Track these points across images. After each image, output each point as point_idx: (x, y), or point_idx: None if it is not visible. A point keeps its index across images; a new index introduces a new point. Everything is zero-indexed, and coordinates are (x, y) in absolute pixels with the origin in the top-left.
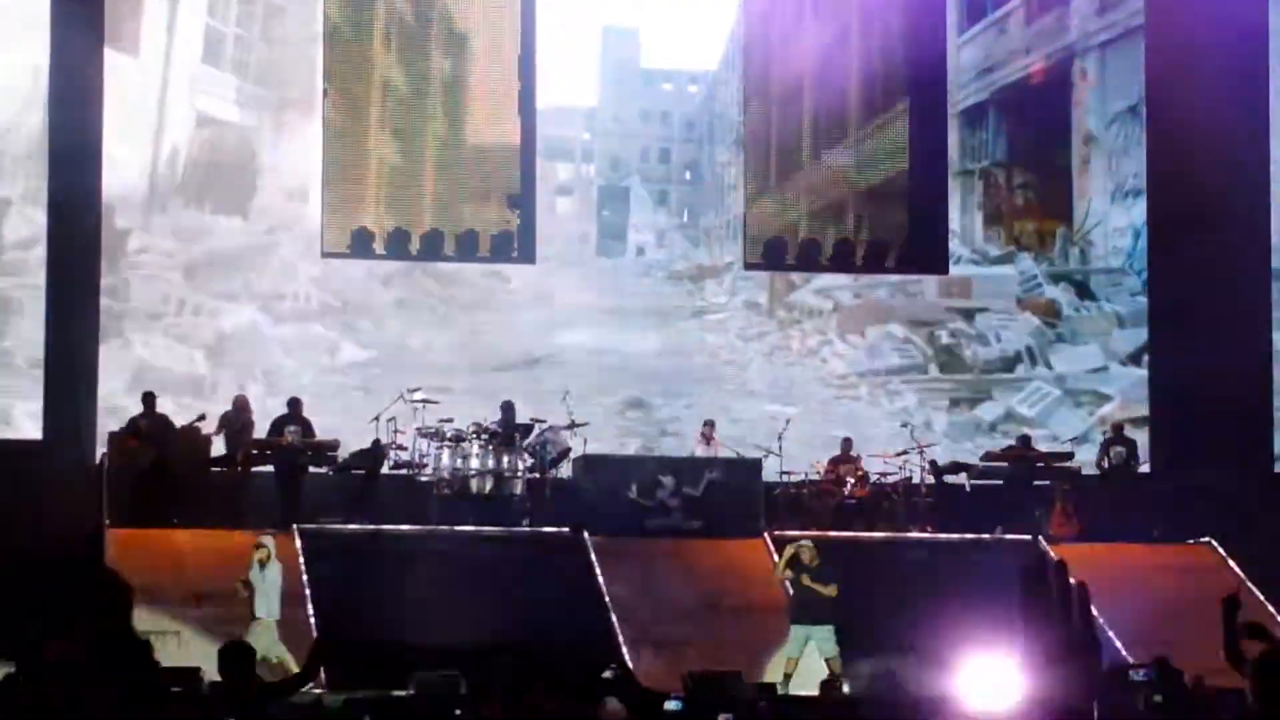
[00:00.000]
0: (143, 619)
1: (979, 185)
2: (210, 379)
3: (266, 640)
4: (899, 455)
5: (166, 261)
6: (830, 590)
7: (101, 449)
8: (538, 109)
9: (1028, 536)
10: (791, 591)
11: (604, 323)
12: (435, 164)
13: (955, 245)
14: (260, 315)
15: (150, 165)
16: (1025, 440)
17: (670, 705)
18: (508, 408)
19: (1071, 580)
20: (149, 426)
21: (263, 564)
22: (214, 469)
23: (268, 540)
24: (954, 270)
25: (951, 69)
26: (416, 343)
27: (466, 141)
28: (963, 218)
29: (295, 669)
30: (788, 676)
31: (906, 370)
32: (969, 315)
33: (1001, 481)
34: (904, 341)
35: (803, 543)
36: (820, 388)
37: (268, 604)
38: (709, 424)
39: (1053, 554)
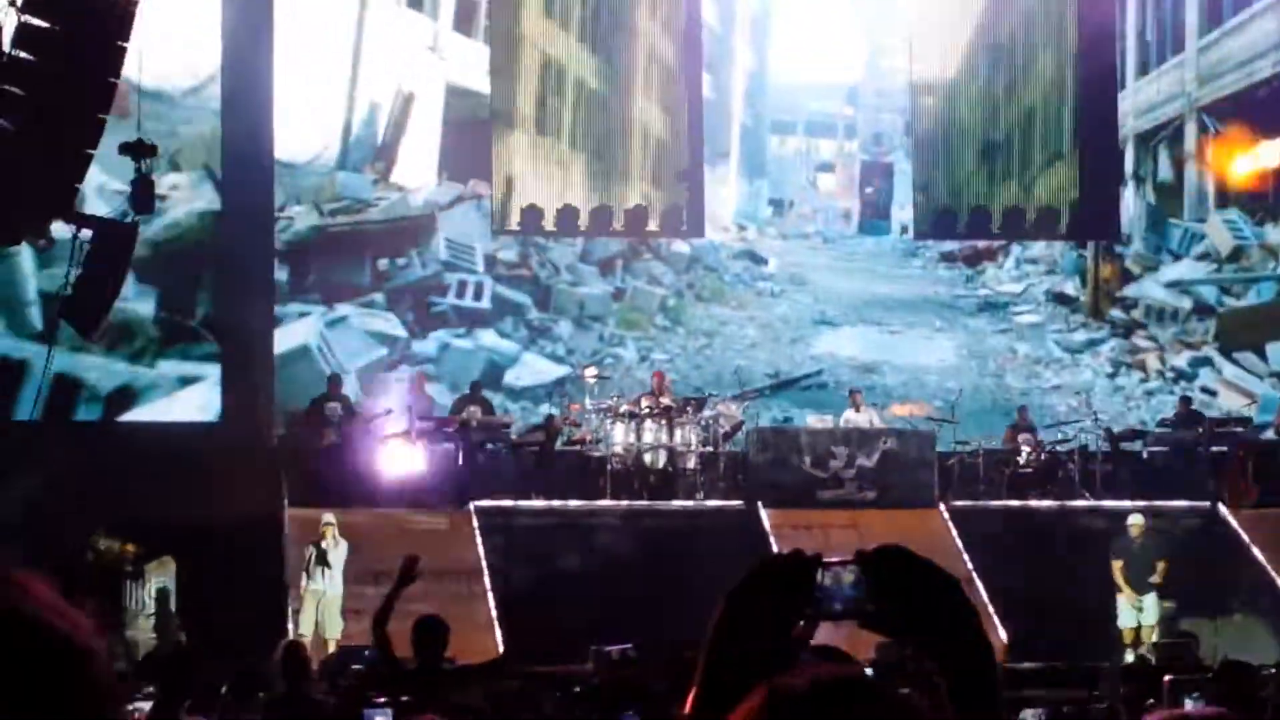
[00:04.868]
0: None
1: None
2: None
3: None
4: (1074, 424)
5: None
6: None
7: (279, 431)
8: (801, 84)
9: (1206, 504)
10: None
11: (873, 317)
12: (622, 151)
13: None
14: (384, 322)
15: (339, 131)
16: (1187, 402)
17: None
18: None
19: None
20: (329, 409)
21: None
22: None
23: (331, 517)
24: None
25: None
26: (631, 355)
27: (655, 129)
28: None
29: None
30: (1133, 646)
31: None
32: None
33: (1178, 448)
34: None
35: (1134, 516)
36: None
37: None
38: (856, 390)
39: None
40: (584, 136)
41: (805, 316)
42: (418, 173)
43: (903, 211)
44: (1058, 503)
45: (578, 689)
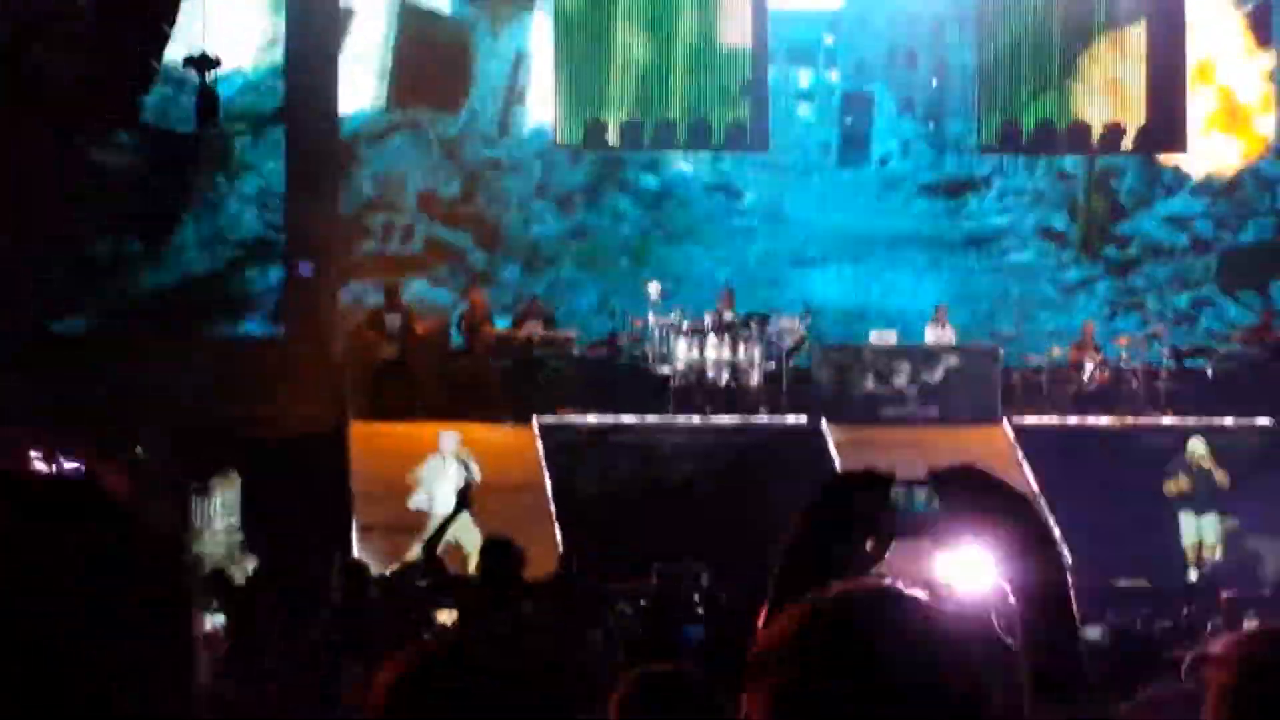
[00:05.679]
0: (385, 515)
1: None
2: None
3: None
4: (1140, 340)
5: None
6: (1221, 476)
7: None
8: (779, 9)
9: (1270, 421)
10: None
11: (856, 254)
12: (685, 63)
13: None
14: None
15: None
16: (1267, 324)
17: None
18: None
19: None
20: (389, 320)
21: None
22: (453, 362)
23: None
24: None
25: None
26: (589, 301)
27: (717, 40)
28: None
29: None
30: (1196, 565)
31: None
32: None
33: (1243, 365)
34: None
35: (1195, 438)
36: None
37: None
38: (941, 306)
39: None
40: (639, 48)
41: (783, 254)
42: (354, 97)
43: (882, 143)
44: (1122, 419)
45: (643, 602)
